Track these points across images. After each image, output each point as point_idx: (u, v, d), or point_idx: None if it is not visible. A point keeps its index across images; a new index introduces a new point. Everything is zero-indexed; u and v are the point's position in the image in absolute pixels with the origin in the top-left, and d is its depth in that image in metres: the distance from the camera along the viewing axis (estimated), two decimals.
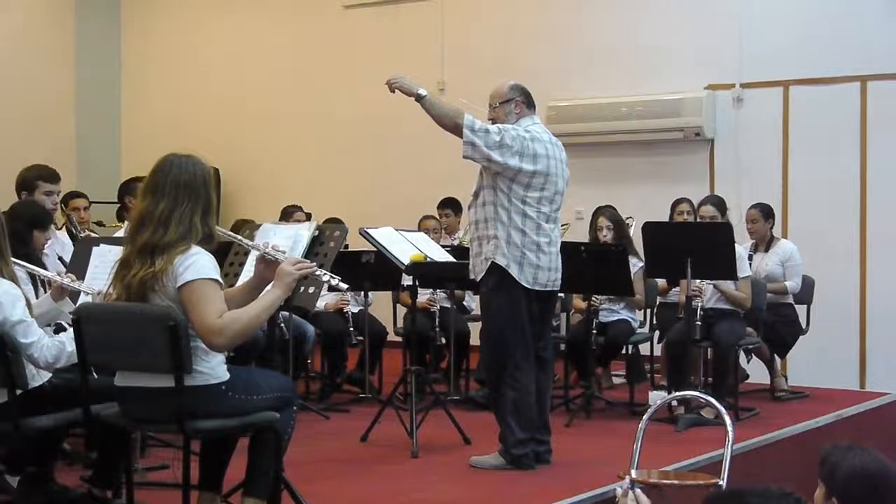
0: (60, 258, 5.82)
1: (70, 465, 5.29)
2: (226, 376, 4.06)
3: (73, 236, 6.79)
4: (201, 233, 4.02)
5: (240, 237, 4.51)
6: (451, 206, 9.02)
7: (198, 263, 3.93)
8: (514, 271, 5.54)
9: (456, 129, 5.52)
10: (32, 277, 4.96)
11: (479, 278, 5.70)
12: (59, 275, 4.69)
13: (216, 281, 3.97)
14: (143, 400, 4.02)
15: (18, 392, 4.21)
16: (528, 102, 5.76)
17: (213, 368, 4.03)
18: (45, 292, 5.10)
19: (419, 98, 5.57)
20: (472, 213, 5.72)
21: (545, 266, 5.61)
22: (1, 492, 4.86)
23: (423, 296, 7.93)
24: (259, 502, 4.12)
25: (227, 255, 4.89)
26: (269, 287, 4.15)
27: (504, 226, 5.54)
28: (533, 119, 5.75)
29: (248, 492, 4.15)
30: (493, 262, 5.56)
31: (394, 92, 5.65)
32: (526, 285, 5.56)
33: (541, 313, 5.74)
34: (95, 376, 4.35)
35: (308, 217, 8.63)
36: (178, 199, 3.99)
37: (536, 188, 5.56)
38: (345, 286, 4.31)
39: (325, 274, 4.32)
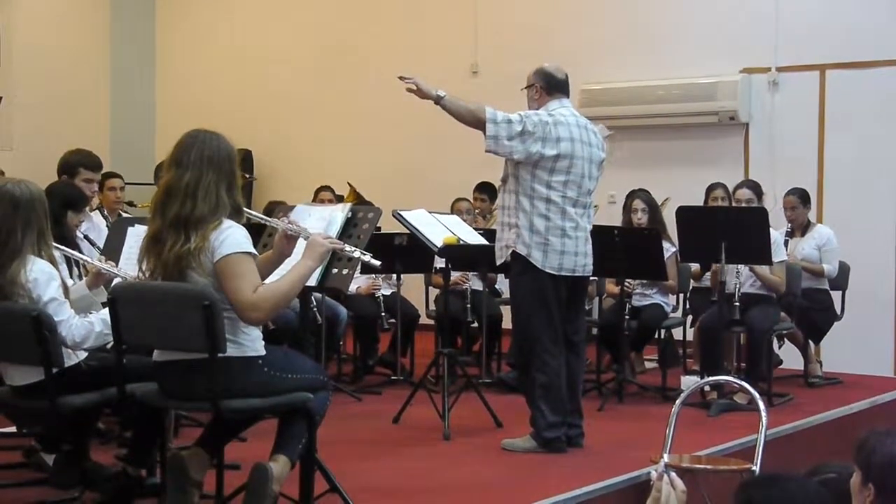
0: (85, 235, 5.85)
1: (105, 443, 5.33)
2: (263, 352, 4.08)
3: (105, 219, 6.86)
4: (229, 206, 4.03)
5: (259, 214, 4.53)
6: (487, 191, 8.97)
7: (232, 237, 3.95)
8: (537, 259, 5.54)
9: (479, 124, 5.52)
10: (67, 259, 4.98)
11: (498, 263, 5.75)
12: (98, 260, 4.71)
13: (250, 254, 3.99)
14: (181, 373, 4.04)
15: (54, 371, 4.24)
16: (550, 88, 5.72)
17: (252, 342, 4.05)
18: (79, 273, 5.14)
19: (438, 100, 5.55)
20: (500, 199, 5.77)
21: (571, 251, 5.59)
22: (37, 469, 4.92)
23: (456, 276, 7.93)
24: (288, 461, 4.10)
25: (262, 235, 4.89)
26: (300, 258, 4.15)
27: (526, 214, 5.54)
28: (561, 102, 5.71)
29: (278, 450, 4.13)
30: (513, 251, 5.58)
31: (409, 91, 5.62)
32: (551, 272, 5.56)
33: (571, 299, 5.73)
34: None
35: (339, 199, 8.65)
36: (202, 172, 4.00)
37: (561, 172, 5.55)
38: (377, 262, 4.31)
39: (354, 250, 4.32)
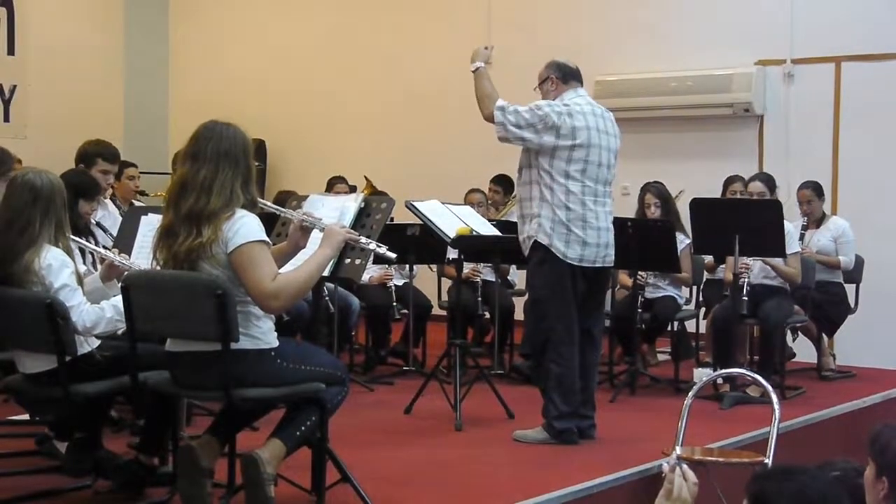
0: (98, 223, 5.86)
1: (117, 432, 5.35)
2: (276, 343, 4.08)
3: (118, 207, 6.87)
4: (243, 200, 4.03)
5: (276, 206, 4.52)
6: (502, 183, 8.92)
7: (245, 227, 3.95)
8: (558, 249, 5.52)
9: (489, 113, 5.58)
10: (81, 248, 4.99)
11: (526, 255, 5.72)
12: (112, 251, 4.72)
13: (265, 242, 3.99)
14: (194, 365, 4.04)
15: (67, 359, 4.24)
16: (566, 77, 5.74)
17: (264, 334, 4.05)
18: (93, 261, 5.14)
19: (474, 70, 5.68)
20: (518, 191, 5.76)
21: (593, 242, 5.58)
22: (49, 457, 4.93)
23: (468, 269, 7.93)
24: (281, 444, 4.09)
25: (275, 224, 4.90)
26: (318, 247, 4.16)
27: (548, 204, 5.52)
28: (577, 92, 5.73)
29: (272, 434, 4.13)
30: (535, 240, 5.57)
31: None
32: (572, 262, 5.54)
33: (592, 290, 5.73)
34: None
35: (352, 189, 8.64)
36: (218, 167, 4.00)
37: (579, 161, 5.54)
38: (392, 255, 4.31)
39: (370, 242, 4.32)
